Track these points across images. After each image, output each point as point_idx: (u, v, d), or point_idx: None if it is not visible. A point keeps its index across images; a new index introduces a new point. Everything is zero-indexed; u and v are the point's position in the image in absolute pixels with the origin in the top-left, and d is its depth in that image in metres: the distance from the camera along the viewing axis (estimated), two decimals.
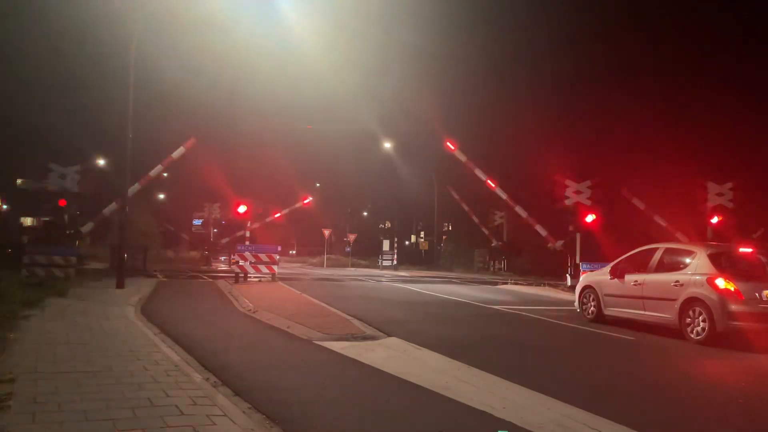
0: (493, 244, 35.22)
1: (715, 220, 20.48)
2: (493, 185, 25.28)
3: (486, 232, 35.66)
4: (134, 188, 23.08)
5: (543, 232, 23.77)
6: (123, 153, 15.83)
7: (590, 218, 20.00)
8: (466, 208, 36.76)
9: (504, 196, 26.04)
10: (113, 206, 19.39)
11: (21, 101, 28.86)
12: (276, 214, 38.74)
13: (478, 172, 25.36)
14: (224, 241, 35.88)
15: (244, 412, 5.00)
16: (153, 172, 24.40)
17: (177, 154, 24.23)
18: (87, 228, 22.27)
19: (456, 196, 37.08)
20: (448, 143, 25.86)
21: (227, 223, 37.50)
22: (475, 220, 36.44)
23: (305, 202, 39.97)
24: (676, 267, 10.55)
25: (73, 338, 7.67)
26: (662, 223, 21.58)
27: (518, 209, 25.21)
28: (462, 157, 25.73)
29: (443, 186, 39.08)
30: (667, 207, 22.46)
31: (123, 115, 15.66)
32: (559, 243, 22.30)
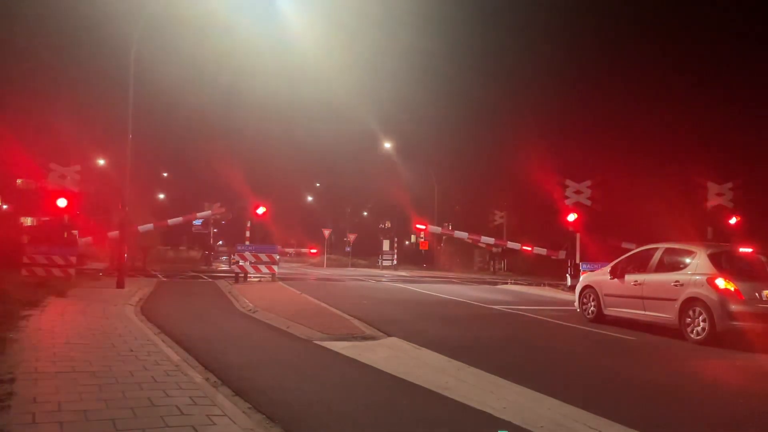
0: (494, 250, 35.04)
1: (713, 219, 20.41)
2: (477, 238, 27.20)
3: (483, 245, 35.28)
4: (147, 226, 23.42)
5: (542, 252, 24.32)
6: (123, 153, 15.83)
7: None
8: (455, 235, 36.32)
9: (492, 240, 27.82)
10: (116, 233, 19.44)
11: (21, 101, 28.85)
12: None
13: (458, 234, 27.29)
14: (219, 243, 35.91)
15: (244, 412, 5.00)
16: (171, 221, 25.12)
17: (202, 214, 25.34)
18: (85, 240, 22.38)
19: (444, 231, 36.32)
20: (417, 225, 27.60)
21: (227, 223, 37.47)
22: (468, 240, 35.68)
23: (312, 252, 41.14)
24: (676, 267, 10.55)
25: (73, 338, 7.67)
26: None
27: (510, 244, 26.65)
28: (436, 230, 27.67)
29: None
30: (667, 208, 22.43)
31: (123, 115, 15.65)
32: (562, 252, 22.41)
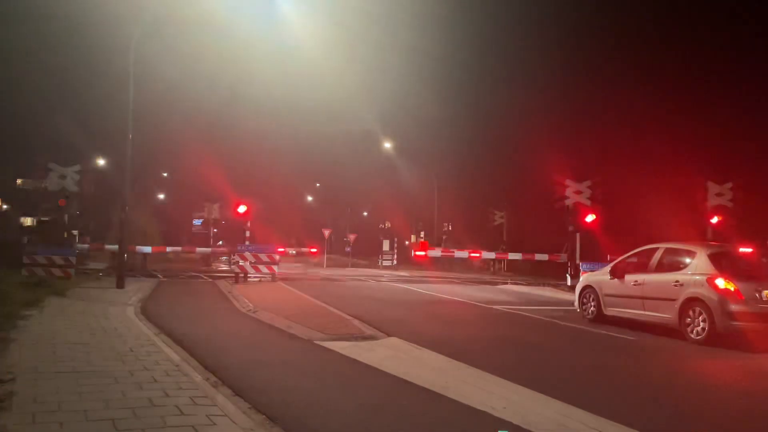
0: (497, 252, 34.90)
1: (715, 220, 20.42)
2: (478, 256, 28.54)
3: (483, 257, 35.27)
4: (145, 249, 23.88)
5: (544, 258, 24.66)
6: (123, 153, 15.84)
7: (590, 218, 20.04)
8: (455, 255, 36.10)
9: (493, 255, 29.26)
10: (115, 247, 19.56)
11: (21, 102, 28.87)
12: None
13: (459, 254, 28.74)
14: (219, 244, 35.87)
15: (244, 412, 5.00)
16: (170, 249, 27.59)
17: (201, 250, 28.80)
18: (83, 246, 22.52)
19: (445, 254, 35.65)
20: (417, 252, 29.49)
21: (227, 223, 37.48)
22: (470, 259, 35.30)
23: (312, 251, 41.49)
24: (676, 267, 10.54)
25: (73, 338, 7.67)
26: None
27: (512, 255, 27.44)
28: (437, 254, 29.17)
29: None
30: (666, 208, 22.43)
31: (123, 116, 15.66)
32: (564, 256, 22.52)
